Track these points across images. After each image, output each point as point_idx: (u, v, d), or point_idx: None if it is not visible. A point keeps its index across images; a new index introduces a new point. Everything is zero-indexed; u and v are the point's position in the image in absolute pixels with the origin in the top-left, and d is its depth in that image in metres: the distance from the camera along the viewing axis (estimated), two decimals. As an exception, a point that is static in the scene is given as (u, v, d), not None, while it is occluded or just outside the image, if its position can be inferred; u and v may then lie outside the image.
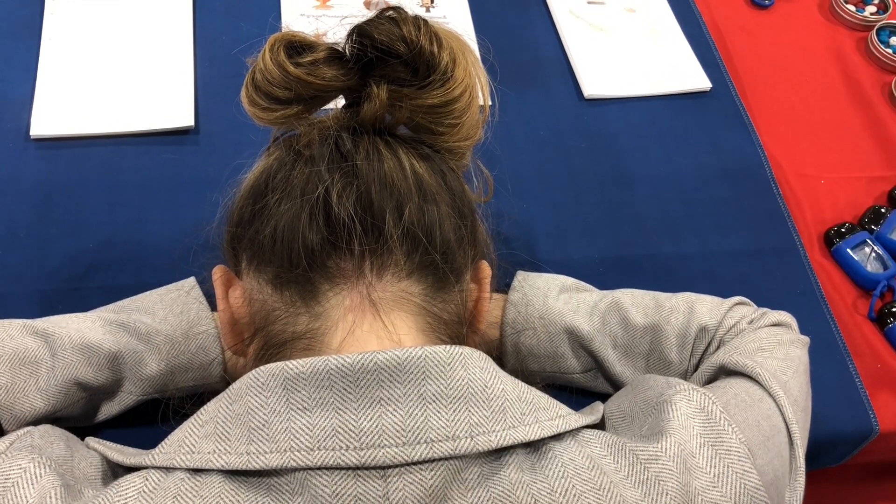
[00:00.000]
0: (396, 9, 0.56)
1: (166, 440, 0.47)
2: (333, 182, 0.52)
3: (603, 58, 1.03)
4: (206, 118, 0.90)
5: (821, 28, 1.15)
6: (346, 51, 0.55)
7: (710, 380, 0.66)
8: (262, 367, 0.46)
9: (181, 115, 0.89)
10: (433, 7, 1.03)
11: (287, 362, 0.45)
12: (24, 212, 0.81)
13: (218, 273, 0.58)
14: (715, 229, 0.90)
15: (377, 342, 0.49)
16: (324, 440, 0.44)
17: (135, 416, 0.66)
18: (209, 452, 0.45)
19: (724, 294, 0.73)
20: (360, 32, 0.54)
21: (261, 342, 0.54)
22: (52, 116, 0.87)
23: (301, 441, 0.44)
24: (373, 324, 0.50)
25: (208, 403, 0.48)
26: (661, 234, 0.89)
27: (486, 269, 0.60)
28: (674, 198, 0.92)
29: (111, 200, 0.83)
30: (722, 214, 0.92)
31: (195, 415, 0.48)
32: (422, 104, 0.55)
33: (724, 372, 0.65)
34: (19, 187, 0.82)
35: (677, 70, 1.04)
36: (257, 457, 0.44)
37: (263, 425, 0.45)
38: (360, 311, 0.50)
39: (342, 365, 0.45)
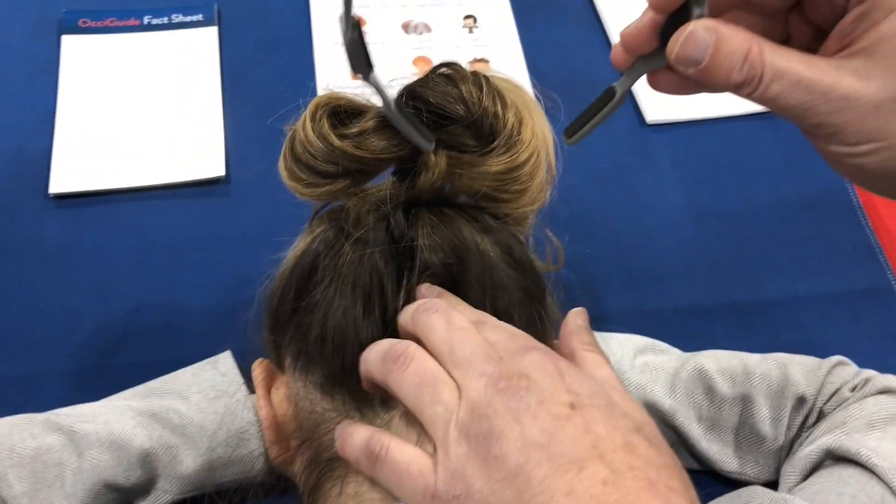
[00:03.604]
0: (451, 65, 0.49)
1: None
2: (390, 271, 0.46)
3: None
4: (238, 164, 0.83)
5: None
6: None
7: (815, 465, 0.58)
8: None
9: (211, 164, 0.82)
10: (476, 27, 0.95)
11: None
12: (46, 279, 0.75)
13: (258, 370, 0.52)
14: (799, 270, 0.82)
15: None
16: None
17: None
18: None
19: (814, 345, 0.66)
20: (411, 94, 0.47)
21: (310, 453, 0.48)
22: (72, 171, 0.80)
23: None
24: None
25: None
26: (741, 278, 0.80)
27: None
28: (753, 235, 0.84)
29: (139, 262, 0.76)
30: (806, 252, 0.83)
31: None
32: (485, 171, 0.48)
33: (832, 457, 0.57)
34: (41, 252, 0.76)
35: (747, 87, 0.95)
36: None
37: None
38: None
39: None
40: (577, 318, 0.46)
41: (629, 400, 0.39)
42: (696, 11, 0.35)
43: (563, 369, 0.38)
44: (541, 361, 0.38)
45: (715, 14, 0.38)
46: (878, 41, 0.32)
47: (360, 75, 0.43)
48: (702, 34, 0.34)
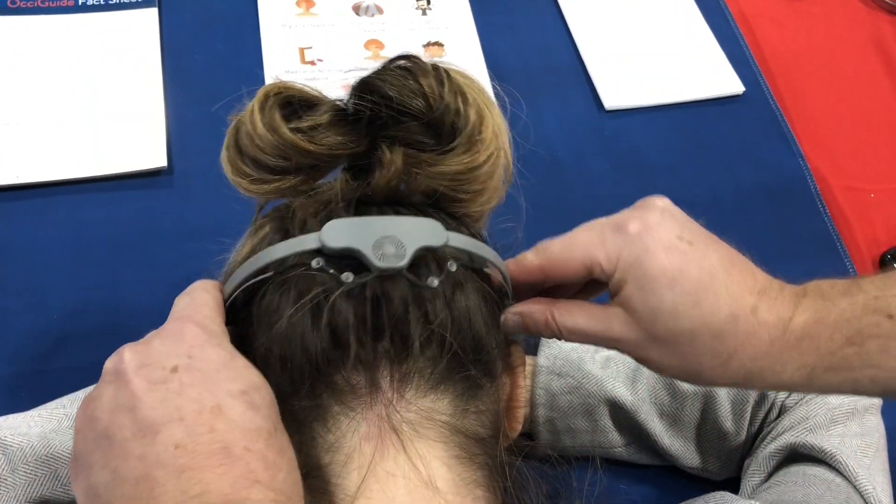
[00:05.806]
0: (410, 57, 0.46)
1: None
2: (336, 276, 0.43)
3: (623, 63, 0.93)
4: (181, 154, 0.79)
5: (860, 15, 1.04)
6: (351, 108, 0.45)
7: (779, 463, 0.57)
8: None
9: (152, 154, 0.78)
10: (430, 10, 0.92)
11: None
12: (-24, 279, 0.71)
13: None
14: (758, 258, 0.80)
15: (405, 485, 0.40)
16: None
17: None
18: None
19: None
20: (367, 87, 0.45)
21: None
22: (2, 162, 0.76)
23: None
24: (397, 459, 0.41)
25: None
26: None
27: (520, 355, 0.51)
28: (711, 223, 0.82)
29: (77, 259, 0.72)
30: (764, 240, 0.82)
31: None
32: (444, 171, 0.46)
33: (795, 454, 0.56)
34: (-30, 250, 0.72)
35: (706, 73, 0.93)
36: None
37: None
38: (380, 441, 0.41)
39: None
40: None
41: (247, 365, 0.39)
42: (506, 302, 0.48)
43: (185, 333, 0.39)
44: (172, 328, 0.40)
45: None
46: (625, 300, 0.43)
47: None
48: (511, 318, 0.47)
